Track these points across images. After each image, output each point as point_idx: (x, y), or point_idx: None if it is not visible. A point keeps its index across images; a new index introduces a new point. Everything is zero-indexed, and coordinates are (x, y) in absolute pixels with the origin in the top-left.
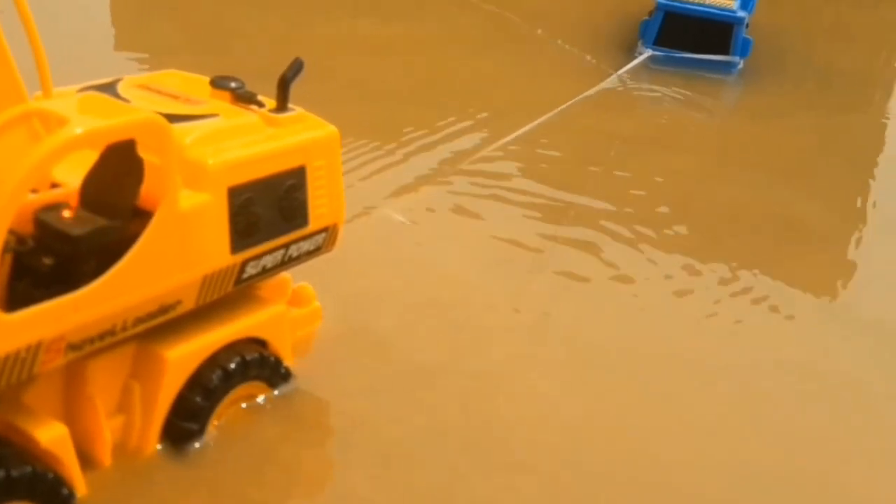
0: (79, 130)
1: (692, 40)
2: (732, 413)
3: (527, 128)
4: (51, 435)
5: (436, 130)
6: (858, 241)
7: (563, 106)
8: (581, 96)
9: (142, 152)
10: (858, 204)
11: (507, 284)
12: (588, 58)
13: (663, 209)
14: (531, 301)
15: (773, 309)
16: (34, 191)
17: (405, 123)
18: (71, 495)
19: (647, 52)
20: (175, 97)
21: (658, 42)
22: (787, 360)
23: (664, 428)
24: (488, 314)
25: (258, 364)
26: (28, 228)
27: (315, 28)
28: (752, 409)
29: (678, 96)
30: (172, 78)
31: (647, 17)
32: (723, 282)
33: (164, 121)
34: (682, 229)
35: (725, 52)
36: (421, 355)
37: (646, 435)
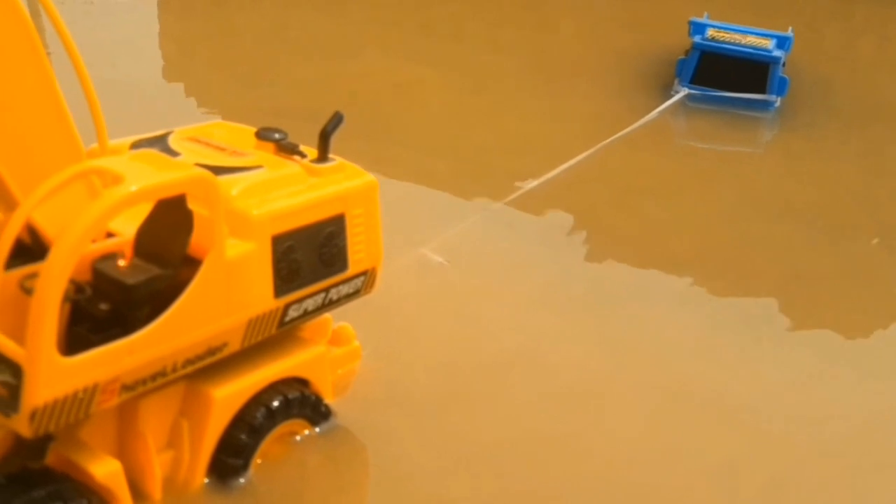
0: (134, 188)
1: (729, 79)
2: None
3: (564, 166)
4: (106, 470)
5: (474, 172)
6: None
7: (601, 145)
8: (618, 135)
9: (191, 205)
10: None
11: (545, 325)
12: (626, 97)
13: (700, 249)
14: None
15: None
16: (92, 241)
17: (437, 165)
18: None
19: (684, 91)
20: (222, 149)
21: (694, 80)
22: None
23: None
24: (524, 357)
25: (300, 403)
26: (86, 276)
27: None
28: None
29: (715, 135)
30: (220, 129)
31: (683, 56)
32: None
33: (211, 176)
34: (715, 271)
35: (762, 91)
36: (454, 398)
37: None
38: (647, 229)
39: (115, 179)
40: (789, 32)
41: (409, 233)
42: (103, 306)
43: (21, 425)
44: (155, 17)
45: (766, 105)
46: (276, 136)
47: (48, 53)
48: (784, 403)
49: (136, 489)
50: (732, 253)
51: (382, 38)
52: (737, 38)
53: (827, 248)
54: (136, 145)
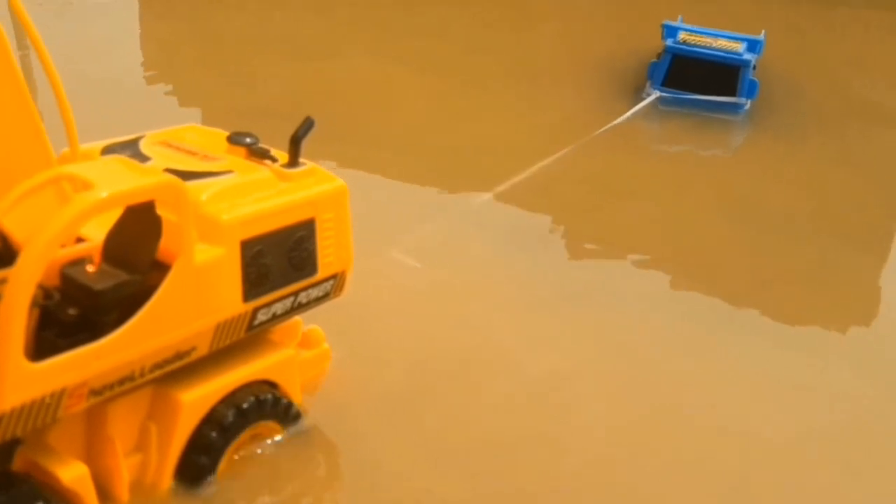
0: (104, 194)
1: (700, 82)
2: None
3: (536, 167)
4: (72, 474)
5: (443, 173)
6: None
7: (572, 147)
8: (591, 136)
9: (160, 211)
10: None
11: (518, 325)
12: (603, 99)
13: (672, 250)
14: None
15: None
16: (60, 246)
17: (412, 167)
18: None
19: (656, 94)
20: (193, 154)
21: (666, 83)
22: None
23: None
24: (497, 356)
25: (271, 404)
26: (54, 281)
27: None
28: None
29: (687, 137)
30: (192, 133)
31: (655, 59)
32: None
33: (180, 183)
34: (687, 271)
35: (732, 93)
36: (426, 398)
37: None
38: (620, 230)
39: (85, 185)
40: (761, 36)
41: (382, 233)
42: (71, 311)
43: None
44: (136, 17)
45: (735, 108)
46: (248, 140)
47: (20, 55)
48: (755, 401)
49: (104, 492)
50: (705, 254)
51: (365, 39)
52: (708, 41)
53: (800, 249)
54: (107, 150)
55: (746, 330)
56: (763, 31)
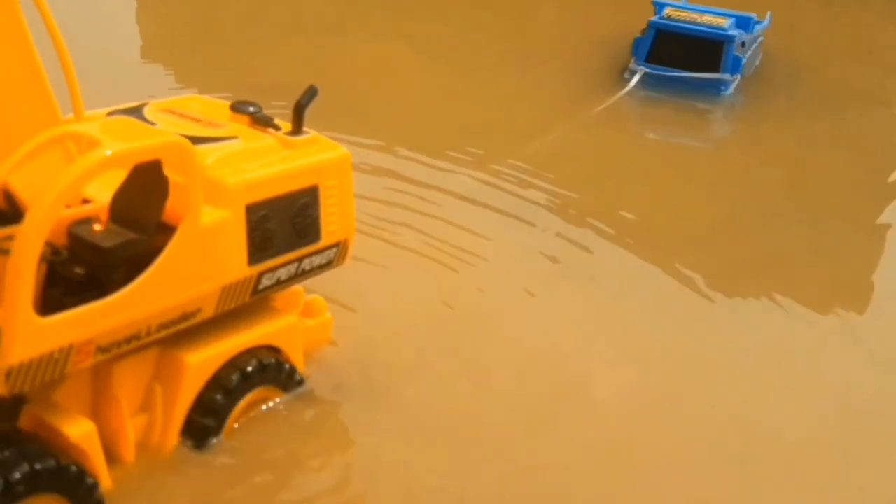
0: (109, 152)
1: (683, 58)
2: None
3: (528, 148)
4: (79, 431)
5: (432, 154)
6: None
7: (560, 129)
8: (578, 118)
9: (167, 171)
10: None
11: (513, 298)
12: (596, 78)
13: (667, 229)
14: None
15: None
16: (67, 206)
17: (409, 143)
18: (95, 486)
19: (640, 70)
20: (197, 120)
21: (650, 59)
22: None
23: None
24: (493, 328)
25: (275, 368)
26: (62, 240)
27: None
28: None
29: (674, 115)
30: (195, 102)
31: (639, 35)
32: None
33: (187, 143)
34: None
35: (716, 69)
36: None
37: None
38: (619, 210)
39: (91, 144)
40: (762, 16)
41: (379, 211)
42: (78, 270)
43: None
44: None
45: (721, 84)
46: (251, 109)
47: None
48: (760, 386)
49: (110, 453)
50: (705, 233)
51: (365, 18)
52: (693, 16)
53: (802, 229)
54: (111, 115)
55: (751, 309)
56: (768, 13)
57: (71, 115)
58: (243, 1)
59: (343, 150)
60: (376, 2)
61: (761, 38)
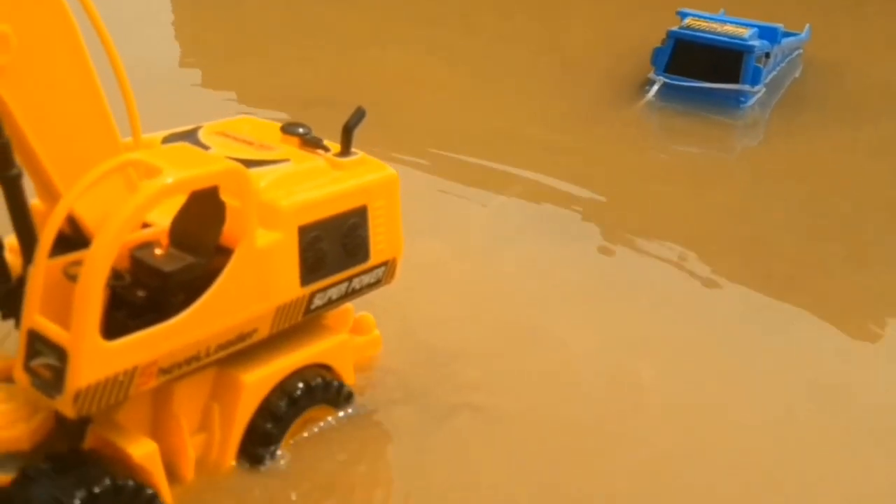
0: (170, 180)
1: (703, 68)
2: None
3: (538, 164)
4: (143, 451)
5: (450, 170)
6: None
7: (582, 140)
8: (600, 128)
9: (223, 196)
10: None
11: (555, 312)
12: (608, 88)
13: (699, 239)
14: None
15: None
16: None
17: (437, 157)
18: (153, 496)
19: (659, 80)
20: (250, 143)
21: (669, 69)
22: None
23: None
24: (537, 340)
25: (322, 389)
26: (124, 264)
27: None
28: None
29: (696, 127)
30: (246, 124)
31: (659, 45)
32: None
33: (243, 169)
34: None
35: (735, 80)
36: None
37: None
38: (649, 221)
39: (152, 172)
40: (776, 24)
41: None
42: (140, 293)
43: (65, 406)
44: (168, 6)
45: (741, 96)
46: (301, 130)
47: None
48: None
49: (170, 471)
50: (743, 244)
51: (395, 31)
52: (714, 26)
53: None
54: (167, 139)
55: (790, 323)
56: (807, 25)
57: (129, 139)
58: (277, 11)
59: (390, 170)
60: (408, 15)
61: (800, 51)
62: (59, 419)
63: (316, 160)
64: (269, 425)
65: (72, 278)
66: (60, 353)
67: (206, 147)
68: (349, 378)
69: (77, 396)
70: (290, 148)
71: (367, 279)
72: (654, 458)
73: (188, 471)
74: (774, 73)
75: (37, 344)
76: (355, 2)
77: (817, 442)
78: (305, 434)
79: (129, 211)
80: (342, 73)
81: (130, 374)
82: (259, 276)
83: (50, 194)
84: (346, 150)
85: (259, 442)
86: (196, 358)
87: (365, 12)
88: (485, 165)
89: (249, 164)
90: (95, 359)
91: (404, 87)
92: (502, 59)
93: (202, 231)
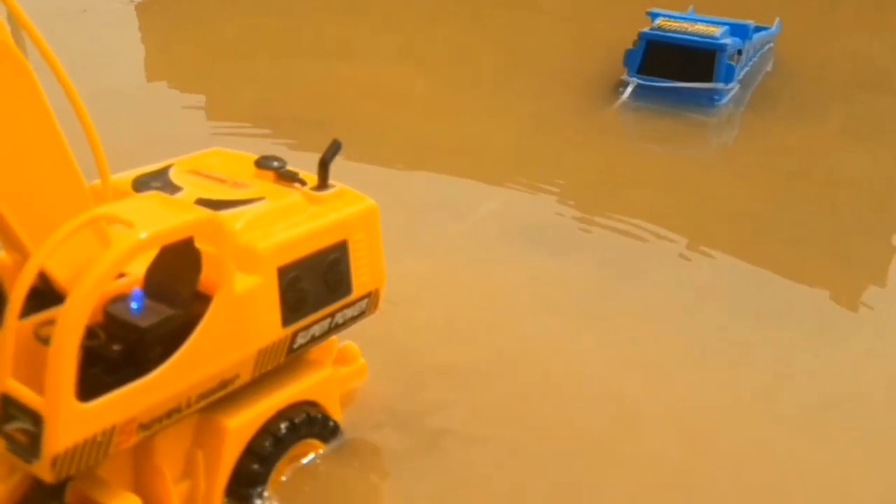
0: (144, 235)
1: (676, 68)
2: None
3: (534, 167)
4: None
5: (423, 185)
6: None
7: (558, 145)
8: (575, 132)
9: (198, 244)
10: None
11: (544, 326)
12: (576, 92)
13: (688, 241)
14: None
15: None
16: None
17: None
18: None
19: (633, 81)
20: (223, 181)
21: (642, 70)
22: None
23: None
24: (523, 358)
25: (307, 424)
26: (97, 318)
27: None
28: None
29: (672, 126)
30: (218, 158)
31: (631, 47)
32: None
33: (218, 217)
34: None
35: (709, 79)
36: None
37: None
38: (636, 222)
39: (124, 225)
40: (747, 21)
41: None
42: (115, 347)
43: (43, 471)
44: (135, 27)
45: (714, 94)
46: (275, 164)
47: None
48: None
49: None
50: (734, 243)
51: (369, 41)
52: (685, 26)
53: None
54: (137, 180)
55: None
56: (776, 19)
57: (97, 182)
58: (244, 24)
59: (370, 200)
60: (376, 26)
61: (770, 45)
62: (38, 480)
63: (292, 195)
64: (255, 466)
65: (44, 341)
66: (35, 418)
67: (178, 188)
68: (335, 412)
69: (55, 461)
70: (265, 183)
71: (350, 312)
72: (651, 480)
73: None
74: (747, 69)
75: (10, 409)
76: (322, 15)
77: (829, 445)
78: (292, 469)
79: (102, 270)
80: (310, 87)
81: (109, 434)
82: (239, 321)
83: (18, 250)
84: (323, 184)
85: (245, 483)
86: (177, 410)
87: (332, 25)
88: (458, 179)
89: (224, 204)
90: (72, 422)
91: (380, 99)
92: (473, 67)
93: (178, 281)
